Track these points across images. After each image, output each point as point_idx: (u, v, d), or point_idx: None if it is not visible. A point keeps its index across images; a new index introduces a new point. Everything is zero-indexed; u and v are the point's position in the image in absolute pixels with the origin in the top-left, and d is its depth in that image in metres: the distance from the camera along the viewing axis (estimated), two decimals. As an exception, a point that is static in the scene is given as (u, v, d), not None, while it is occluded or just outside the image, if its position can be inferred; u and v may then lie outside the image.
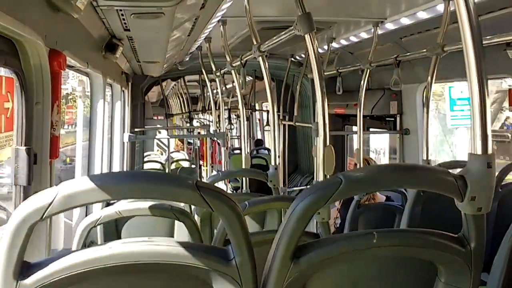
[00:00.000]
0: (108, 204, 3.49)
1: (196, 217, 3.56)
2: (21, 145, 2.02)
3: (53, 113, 2.18)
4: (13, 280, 1.29)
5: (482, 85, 1.58)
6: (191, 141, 13.26)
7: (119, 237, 3.38)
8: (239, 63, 4.63)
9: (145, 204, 2.76)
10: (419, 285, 1.59)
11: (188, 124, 12.28)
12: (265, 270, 1.51)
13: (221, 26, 4.54)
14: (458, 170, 1.59)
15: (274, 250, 1.49)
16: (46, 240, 2.21)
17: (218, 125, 9.02)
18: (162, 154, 11.41)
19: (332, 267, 1.52)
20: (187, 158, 11.62)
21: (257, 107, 12.71)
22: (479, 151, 1.57)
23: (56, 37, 2.26)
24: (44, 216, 1.28)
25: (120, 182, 1.36)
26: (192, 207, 3.93)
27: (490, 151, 1.56)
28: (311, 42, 2.71)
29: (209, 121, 14.53)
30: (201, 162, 11.37)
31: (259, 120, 14.40)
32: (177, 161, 10.35)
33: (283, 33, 3.12)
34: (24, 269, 1.31)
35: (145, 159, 10.18)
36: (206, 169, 10.73)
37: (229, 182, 9.91)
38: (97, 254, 1.35)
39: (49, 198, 1.28)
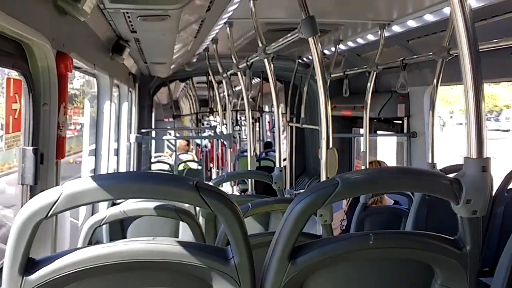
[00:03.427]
0: (114, 204, 3.53)
1: (201, 219, 3.59)
2: (28, 145, 2.06)
3: (59, 114, 2.22)
4: (19, 276, 1.33)
5: (478, 90, 1.60)
6: (200, 142, 13.31)
7: (124, 238, 3.42)
8: (245, 64, 4.65)
9: (150, 204, 2.79)
10: (415, 287, 1.60)
11: (195, 126, 12.35)
12: (263, 270, 1.53)
13: (228, 28, 4.56)
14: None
15: (272, 250, 1.51)
16: (52, 238, 2.25)
17: (226, 127, 9.05)
18: (171, 156, 11.47)
19: (330, 268, 1.54)
20: (196, 159, 11.66)
21: (267, 109, 12.73)
22: (474, 155, 1.58)
23: (63, 40, 2.30)
24: (49, 214, 1.31)
25: (123, 182, 1.39)
26: (197, 208, 3.96)
27: (485, 155, 1.58)
28: (315, 45, 2.73)
29: (217, 122, 14.56)
30: (211, 165, 11.39)
31: (268, 122, 14.41)
32: (185, 162, 10.39)
33: (288, 35, 3.13)
34: (29, 265, 1.35)
35: (155, 160, 10.28)
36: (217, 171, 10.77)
37: (237, 185, 9.92)
38: (100, 252, 1.38)
39: (54, 197, 1.31)
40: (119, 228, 3.44)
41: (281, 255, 1.49)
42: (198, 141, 13.39)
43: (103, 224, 2.86)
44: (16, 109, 1.93)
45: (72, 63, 2.28)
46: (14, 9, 1.73)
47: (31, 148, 2.05)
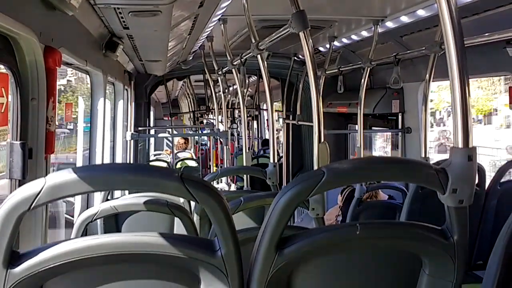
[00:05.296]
0: (107, 200, 3.53)
1: (195, 216, 3.59)
2: (16, 140, 2.06)
3: (48, 109, 2.22)
4: (3, 269, 1.32)
5: (463, 82, 1.62)
6: (198, 140, 13.33)
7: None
8: (239, 61, 4.66)
9: (141, 199, 2.79)
10: (403, 277, 1.61)
11: (193, 124, 12.36)
12: (250, 261, 1.53)
13: (222, 25, 4.56)
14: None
15: (259, 241, 1.51)
16: (41, 232, 2.25)
17: (223, 124, 9.06)
18: (170, 154, 11.47)
19: (317, 259, 1.54)
20: (194, 157, 11.67)
21: (264, 107, 12.72)
22: (460, 144, 1.59)
23: (52, 35, 2.29)
24: (32, 206, 1.30)
25: (107, 173, 1.39)
26: (192, 206, 3.95)
27: (471, 144, 1.59)
28: (306, 40, 2.74)
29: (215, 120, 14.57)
30: (210, 163, 11.40)
31: (266, 120, 14.41)
32: (182, 160, 10.39)
33: (279, 30, 3.14)
34: (13, 258, 1.34)
35: (153, 158, 10.28)
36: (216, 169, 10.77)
37: (235, 183, 9.93)
38: (84, 244, 1.37)
39: (37, 188, 1.30)
40: (113, 224, 3.44)
41: (268, 246, 1.48)
42: (196, 138, 13.41)
43: (96, 219, 2.86)
44: (2, 103, 1.92)
45: (61, 58, 2.27)
46: (0, 3, 1.72)
47: (18, 142, 2.05)
